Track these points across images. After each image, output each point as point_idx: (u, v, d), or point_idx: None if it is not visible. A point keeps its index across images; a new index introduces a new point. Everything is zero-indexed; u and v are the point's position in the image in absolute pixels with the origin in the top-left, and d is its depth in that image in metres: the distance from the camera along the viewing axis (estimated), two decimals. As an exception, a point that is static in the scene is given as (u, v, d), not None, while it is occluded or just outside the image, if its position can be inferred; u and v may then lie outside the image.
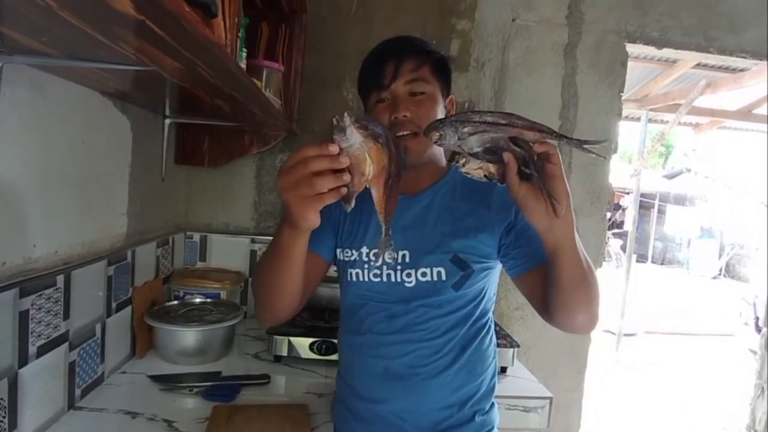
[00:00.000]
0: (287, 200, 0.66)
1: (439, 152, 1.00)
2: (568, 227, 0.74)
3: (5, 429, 0.81)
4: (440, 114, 0.96)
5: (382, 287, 0.95)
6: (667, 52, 1.98)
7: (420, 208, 0.98)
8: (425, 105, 0.93)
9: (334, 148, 0.63)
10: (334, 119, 0.64)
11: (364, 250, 0.98)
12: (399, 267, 0.94)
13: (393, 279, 0.94)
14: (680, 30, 1.91)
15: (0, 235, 0.80)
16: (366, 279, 0.97)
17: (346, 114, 0.63)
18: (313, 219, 0.68)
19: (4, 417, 0.80)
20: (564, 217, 0.71)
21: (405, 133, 0.91)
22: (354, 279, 0.99)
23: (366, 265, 0.97)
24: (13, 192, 0.82)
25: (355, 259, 0.98)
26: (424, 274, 0.93)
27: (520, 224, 0.92)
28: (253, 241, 1.78)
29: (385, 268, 0.95)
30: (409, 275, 0.93)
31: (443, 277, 0.92)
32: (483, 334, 0.99)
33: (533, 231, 0.81)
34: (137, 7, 0.47)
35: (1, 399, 0.79)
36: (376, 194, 0.70)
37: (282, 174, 0.65)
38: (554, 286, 0.81)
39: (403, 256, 0.94)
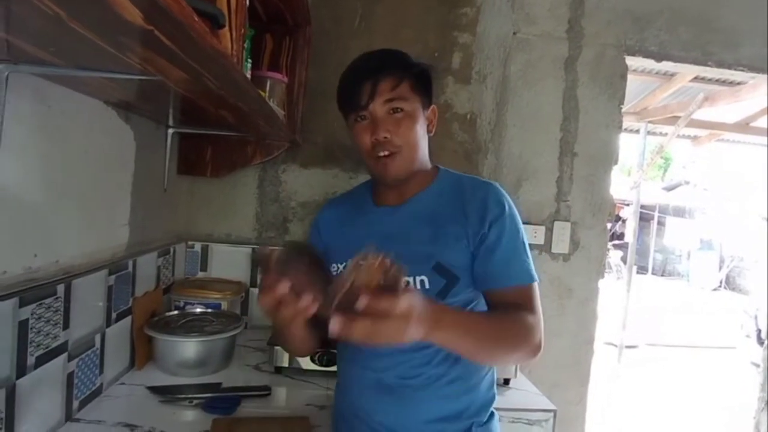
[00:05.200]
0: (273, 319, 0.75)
1: (423, 160, 0.99)
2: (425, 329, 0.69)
3: (2, 441, 0.79)
4: (420, 130, 0.96)
5: None
6: (666, 66, 2.01)
7: (404, 218, 0.98)
8: (404, 124, 0.93)
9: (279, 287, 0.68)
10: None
11: (350, 263, 0.97)
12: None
13: None
14: (678, 44, 1.93)
15: (1, 244, 0.79)
16: None
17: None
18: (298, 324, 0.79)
19: (1, 429, 0.79)
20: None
21: (384, 153, 0.93)
22: None
23: None
24: (15, 201, 0.82)
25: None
26: (407, 283, 0.91)
27: (486, 242, 0.91)
28: (254, 251, 1.77)
29: None
30: None
31: (426, 286, 0.90)
32: None
33: (493, 254, 0.88)
34: (147, 17, 0.47)
35: (-1, 410, 0.78)
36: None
37: (259, 301, 0.72)
38: None
39: None
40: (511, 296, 0.90)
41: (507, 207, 0.94)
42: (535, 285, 0.92)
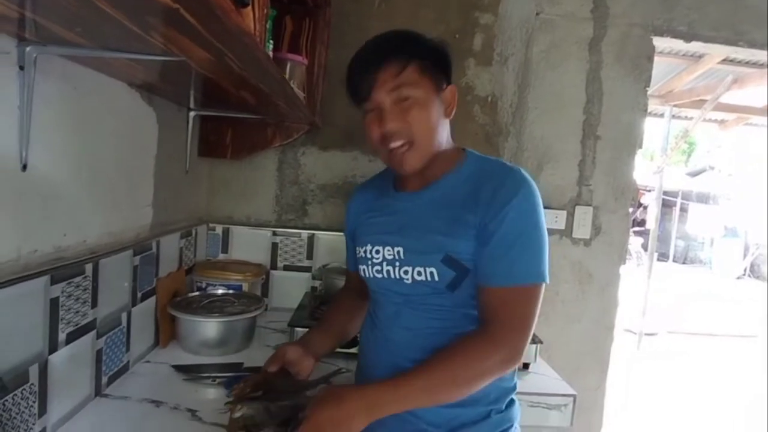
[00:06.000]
0: None
1: (442, 145, 0.93)
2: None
3: (35, 414, 0.82)
4: (433, 115, 0.89)
5: (385, 283, 0.96)
6: (694, 46, 1.94)
7: (421, 205, 0.94)
8: (413, 111, 0.86)
9: None
10: None
11: (369, 247, 0.99)
12: (397, 263, 0.93)
13: (392, 275, 0.94)
14: (708, 23, 1.85)
15: (32, 224, 0.81)
16: (371, 275, 0.98)
17: None
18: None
19: (34, 402, 0.82)
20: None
21: (398, 144, 0.87)
22: (363, 275, 1.02)
23: (369, 262, 0.98)
24: (45, 181, 0.84)
25: (361, 256, 1.01)
26: (419, 273, 0.90)
27: (483, 234, 0.86)
28: (274, 233, 1.79)
29: (384, 264, 0.95)
30: (406, 272, 0.92)
31: (436, 278, 0.88)
32: None
33: (484, 249, 0.85)
34: (173, -6, 0.47)
35: (32, 384, 0.81)
36: None
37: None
38: None
39: (398, 252, 0.93)
40: (493, 301, 0.86)
41: (521, 194, 0.86)
42: (537, 287, 0.86)
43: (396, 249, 0.93)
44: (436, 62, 0.90)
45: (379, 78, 0.86)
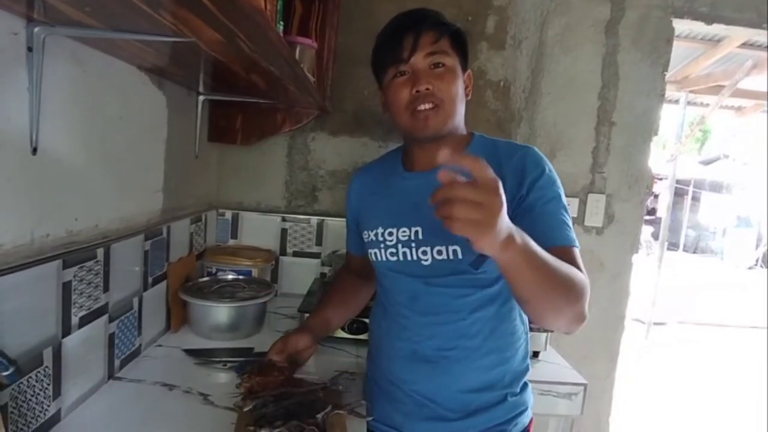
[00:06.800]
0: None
1: (460, 122, 0.97)
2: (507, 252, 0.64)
3: (50, 396, 0.83)
4: (460, 88, 0.94)
5: (400, 266, 0.95)
6: (715, 29, 1.88)
7: (436, 183, 0.93)
8: (446, 78, 0.91)
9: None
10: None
11: (380, 230, 0.98)
12: (413, 244, 0.93)
13: (409, 257, 0.93)
14: (732, 4, 1.80)
15: (44, 208, 0.81)
16: (383, 258, 0.97)
17: None
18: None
19: (48, 385, 0.82)
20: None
21: (426, 106, 0.90)
22: (374, 258, 1.01)
23: (382, 245, 0.97)
24: (57, 164, 0.83)
25: (371, 240, 1.00)
26: (440, 252, 0.90)
27: (525, 204, 0.86)
28: (284, 219, 1.79)
29: (400, 246, 0.94)
30: (424, 253, 0.91)
31: (459, 256, 0.88)
32: (512, 315, 0.96)
33: (533, 215, 0.82)
34: (184, -30, 0.45)
35: (47, 367, 0.81)
36: None
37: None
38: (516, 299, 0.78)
39: (416, 232, 0.92)
40: (560, 255, 0.81)
41: (547, 169, 0.90)
42: (578, 251, 0.85)
43: (413, 229, 0.93)
44: (461, 44, 0.95)
45: (420, 42, 0.89)
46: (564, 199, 0.90)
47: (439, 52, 0.90)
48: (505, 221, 0.60)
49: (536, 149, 0.94)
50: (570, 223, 0.87)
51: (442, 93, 0.90)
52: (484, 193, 0.57)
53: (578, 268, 0.82)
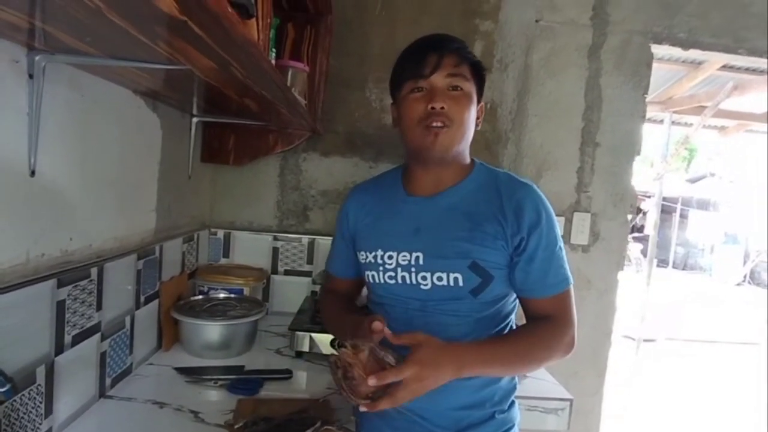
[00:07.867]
0: None
1: (466, 149, 0.99)
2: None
3: (42, 414, 0.84)
4: (473, 115, 0.96)
5: (398, 289, 0.96)
6: (693, 54, 1.96)
7: (439, 210, 0.97)
8: (462, 101, 0.93)
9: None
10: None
11: (379, 252, 0.98)
12: (413, 269, 0.94)
13: (408, 281, 0.94)
14: (708, 31, 1.87)
15: (40, 229, 0.83)
16: (381, 281, 0.98)
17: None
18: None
19: (41, 403, 0.83)
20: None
21: (438, 124, 0.91)
22: (371, 281, 1.01)
23: (380, 267, 0.98)
24: (53, 186, 0.85)
25: (370, 262, 1.00)
26: (440, 279, 0.92)
27: (526, 251, 0.92)
28: (275, 238, 1.80)
29: (399, 270, 0.95)
30: (424, 278, 0.93)
31: (460, 283, 0.91)
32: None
33: (531, 265, 0.92)
34: (182, 8, 0.49)
35: (39, 385, 0.82)
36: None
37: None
38: None
39: (417, 257, 0.94)
40: (547, 306, 0.94)
41: (545, 213, 0.94)
42: (571, 288, 0.95)
43: (414, 254, 0.94)
44: (480, 75, 0.98)
45: (443, 63, 0.92)
46: (559, 238, 0.96)
47: (459, 75, 0.92)
48: (442, 368, 0.80)
49: (535, 188, 0.98)
50: (563, 260, 0.96)
51: (454, 115, 0.92)
52: (414, 381, 0.78)
53: (564, 310, 0.94)
